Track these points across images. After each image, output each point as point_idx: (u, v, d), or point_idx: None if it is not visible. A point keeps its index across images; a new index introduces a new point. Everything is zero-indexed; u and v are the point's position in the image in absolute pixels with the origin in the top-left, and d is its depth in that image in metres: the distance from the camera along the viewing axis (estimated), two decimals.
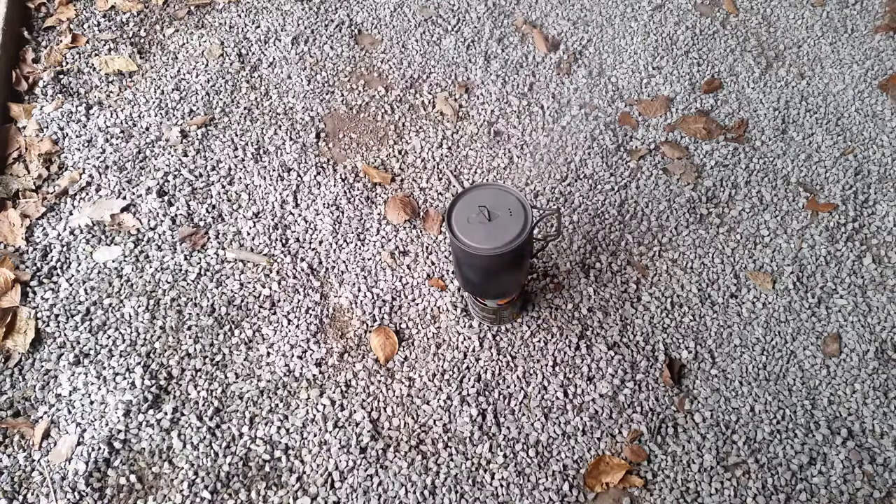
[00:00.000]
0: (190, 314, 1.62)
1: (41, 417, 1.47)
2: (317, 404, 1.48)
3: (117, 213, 1.79)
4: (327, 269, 1.70)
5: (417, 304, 1.63)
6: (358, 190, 1.84)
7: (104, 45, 2.20)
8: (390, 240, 1.74)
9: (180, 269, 1.69)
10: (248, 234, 1.76)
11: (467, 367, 1.52)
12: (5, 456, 1.43)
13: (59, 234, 1.75)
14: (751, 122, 1.94)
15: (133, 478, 1.40)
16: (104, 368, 1.53)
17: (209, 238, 1.75)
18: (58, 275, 1.68)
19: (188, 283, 1.67)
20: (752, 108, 1.98)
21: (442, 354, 1.55)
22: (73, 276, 1.68)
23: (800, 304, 1.60)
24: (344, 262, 1.70)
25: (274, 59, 2.14)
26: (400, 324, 1.60)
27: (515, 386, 1.50)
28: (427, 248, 1.72)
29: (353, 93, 2.06)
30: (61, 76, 2.10)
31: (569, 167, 1.86)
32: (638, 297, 1.63)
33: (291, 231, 1.76)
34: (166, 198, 1.82)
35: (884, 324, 1.56)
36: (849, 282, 1.63)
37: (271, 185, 1.85)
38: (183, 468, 1.41)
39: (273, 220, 1.78)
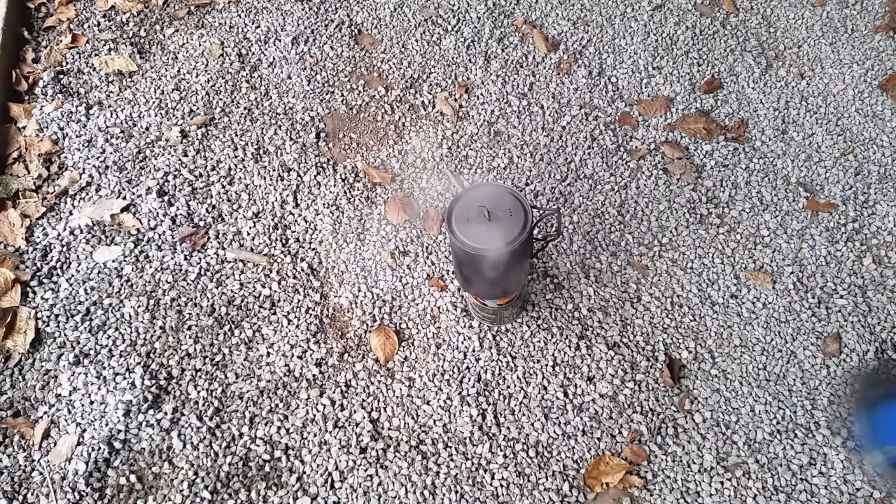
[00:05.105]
0: (190, 314, 1.62)
1: (41, 417, 1.47)
2: (317, 404, 1.48)
3: (117, 213, 1.79)
4: (327, 269, 1.70)
5: (417, 304, 1.63)
6: (358, 190, 1.84)
7: (104, 45, 2.20)
8: (390, 240, 1.74)
9: (180, 269, 1.69)
10: (248, 234, 1.76)
11: (467, 367, 1.52)
12: (5, 456, 1.43)
13: (59, 234, 1.75)
14: (751, 122, 1.94)
15: (133, 478, 1.40)
16: (104, 368, 1.53)
17: (209, 238, 1.75)
18: (58, 275, 1.68)
19: (188, 283, 1.67)
20: (752, 108, 1.98)
21: (442, 354, 1.55)
22: (73, 276, 1.68)
23: (800, 304, 1.60)
24: (344, 262, 1.70)
25: (274, 59, 2.14)
26: (400, 324, 1.60)
27: (515, 386, 1.50)
28: (427, 248, 1.72)
29: (353, 93, 2.06)
30: (61, 76, 2.10)
31: (569, 167, 1.86)
32: (638, 297, 1.63)
33: (291, 231, 1.76)
34: (166, 198, 1.82)
35: (884, 324, 1.56)
36: (849, 282, 1.63)
37: (271, 185, 1.85)
38: (183, 468, 1.41)
39: (273, 220, 1.78)
